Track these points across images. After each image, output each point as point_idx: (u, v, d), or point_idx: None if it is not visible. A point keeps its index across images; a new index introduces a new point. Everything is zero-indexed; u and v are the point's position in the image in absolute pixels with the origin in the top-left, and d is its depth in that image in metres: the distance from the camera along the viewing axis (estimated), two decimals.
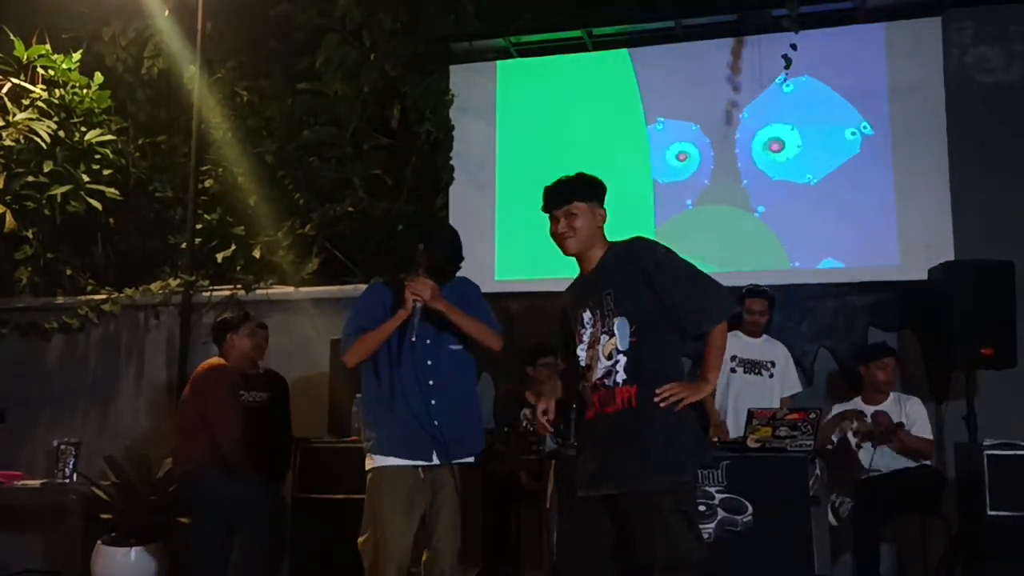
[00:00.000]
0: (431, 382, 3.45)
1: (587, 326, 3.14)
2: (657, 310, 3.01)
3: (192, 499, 4.94)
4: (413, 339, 3.36)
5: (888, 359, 4.94)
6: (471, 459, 3.54)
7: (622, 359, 3.01)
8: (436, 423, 3.42)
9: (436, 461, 3.42)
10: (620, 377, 3.00)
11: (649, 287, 3.01)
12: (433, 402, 3.43)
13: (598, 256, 3.16)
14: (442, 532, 3.42)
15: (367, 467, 3.45)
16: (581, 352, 3.16)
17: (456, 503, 3.47)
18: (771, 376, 5.00)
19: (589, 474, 3.08)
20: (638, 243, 3.13)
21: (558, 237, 3.17)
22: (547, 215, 3.21)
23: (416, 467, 3.39)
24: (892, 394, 4.94)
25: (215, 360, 5.01)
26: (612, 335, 3.03)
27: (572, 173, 3.24)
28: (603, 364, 3.05)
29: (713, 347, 3.05)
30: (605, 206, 3.21)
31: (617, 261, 3.11)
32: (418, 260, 3.46)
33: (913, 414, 4.85)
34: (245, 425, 5.02)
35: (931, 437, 4.84)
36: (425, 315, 3.39)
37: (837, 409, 4.97)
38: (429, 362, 3.46)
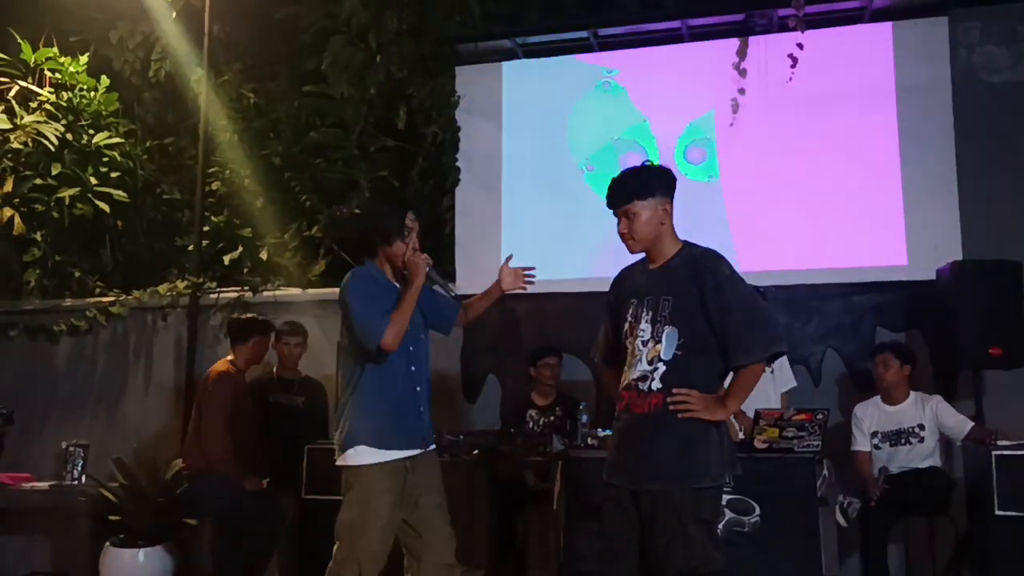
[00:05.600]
0: (413, 368, 3.41)
1: (638, 322, 3.05)
2: (708, 331, 2.95)
3: (197, 501, 5.04)
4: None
5: (883, 355, 4.91)
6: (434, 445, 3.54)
7: (661, 368, 2.96)
8: (421, 410, 3.41)
9: (421, 449, 3.39)
10: (655, 385, 2.96)
11: (704, 306, 2.94)
12: (418, 389, 3.41)
13: (668, 254, 3.08)
14: (442, 516, 3.40)
15: (348, 461, 3.32)
16: (627, 343, 3.09)
17: (442, 483, 3.46)
18: (771, 372, 4.98)
19: (609, 462, 3.12)
20: (707, 258, 3.03)
21: (621, 238, 3.10)
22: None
23: (404, 460, 3.33)
24: (913, 394, 4.88)
25: (223, 364, 5.07)
26: (659, 342, 2.97)
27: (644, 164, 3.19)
28: (642, 367, 3.00)
29: (741, 380, 2.97)
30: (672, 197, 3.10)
31: (684, 269, 3.02)
32: (410, 226, 3.45)
33: (942, 412, 4.79)
34: (268, 428, 5.14)
35: (969, 422, 4.76)
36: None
37: (858, 409, 4.95)
38: (411, 347, 3.41)
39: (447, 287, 3.54)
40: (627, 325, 3.09)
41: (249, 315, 5.49)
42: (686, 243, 3.11)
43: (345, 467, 3.36)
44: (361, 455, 3.31)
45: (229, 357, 5.15)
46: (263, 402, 5.30)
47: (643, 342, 3.01)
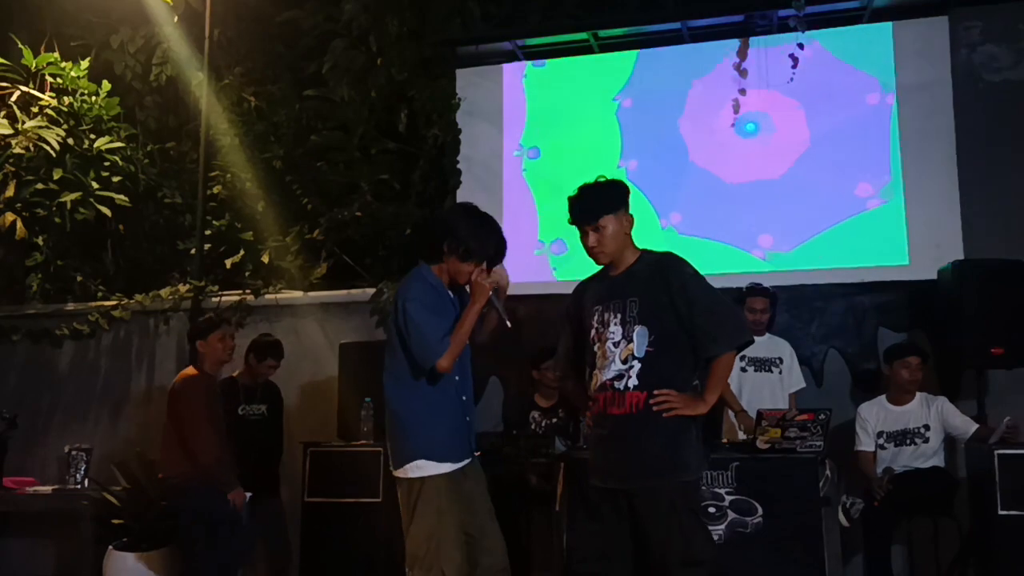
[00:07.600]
0: (457, 377, 3.41)
1: (606, 326, 3.17)
2: (677, 327, 3.09)
3: (179, 508, 4.80)
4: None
5: (912, 358, 4.87)
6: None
7: (636, 365, 3.08)
8: (468, 419, 3.43)
9: (471, 458, 3.41)
10: (632, 382, 3.08)
11: (672, 304, 3.08)
12: (464, 398, 3.43)
13: (628, 261, 3.23)
14: (492, 519, 3.41)
15: (410, 474, 3.29)
16: (595, 349, 3.20)
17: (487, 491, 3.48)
18: (780, 373, 4.99)
19: (596, 466, 3.21)
20: (669, 260, 3.21)
21: (590, 251, 3.23)
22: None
23: (460, 469, 3.35)
24: (918, 395, 4.88)
25: (189, 370, 4.84)
26: (631, 341, 3.10)
27: (593, 180, 3.26)
28: (616, 367, 3.11)
29: (716, 372, 3.13)
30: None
31: (647, 272, 3.18)
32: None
33: (948, 413, 4.79)
34: (242, 438, 5.03)
35: (974, 424, 4.75)
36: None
37: (863, 409, 4.93)
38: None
39: (505, 316, 3.43)
40: (594, 331, 3.22)
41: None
42: (644, 250, 3.26)
43: (406, 479, 3.33)
44: (423, 468, 3.30)
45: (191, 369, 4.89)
46: (231, 414, 5.14)
47: (614, 344, 3.14)
